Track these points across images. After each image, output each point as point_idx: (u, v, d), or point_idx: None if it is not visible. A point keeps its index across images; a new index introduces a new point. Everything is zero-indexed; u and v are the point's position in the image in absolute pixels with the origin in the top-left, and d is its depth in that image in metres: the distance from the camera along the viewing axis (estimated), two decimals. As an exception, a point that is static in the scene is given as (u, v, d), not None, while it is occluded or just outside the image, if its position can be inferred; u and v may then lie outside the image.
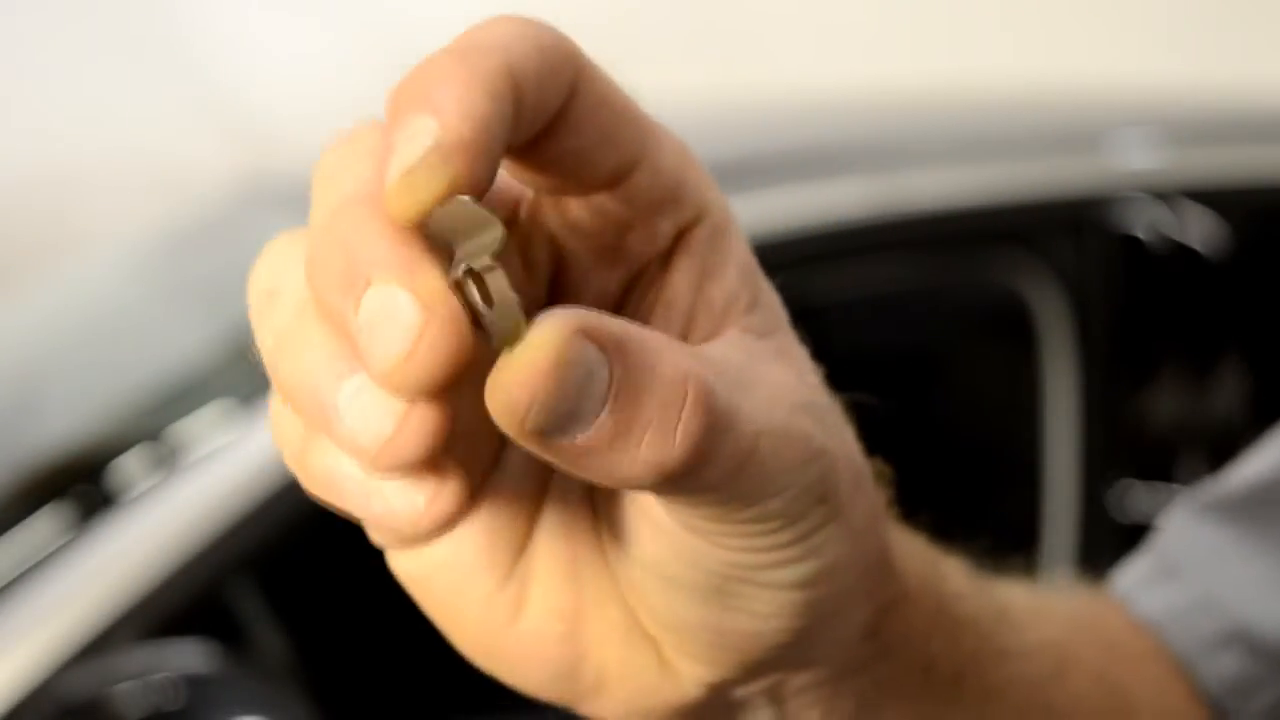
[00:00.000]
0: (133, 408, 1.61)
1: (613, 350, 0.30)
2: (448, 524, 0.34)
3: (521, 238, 0.36)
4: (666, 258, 0.36)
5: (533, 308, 0.35)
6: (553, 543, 0.37)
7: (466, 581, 0.36)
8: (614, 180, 0.35)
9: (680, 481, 0.31)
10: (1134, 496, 1.65)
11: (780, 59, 3.13)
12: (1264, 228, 1.75)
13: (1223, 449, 1.68)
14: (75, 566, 1.31)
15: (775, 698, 0.39)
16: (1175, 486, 1.64)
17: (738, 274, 0.36)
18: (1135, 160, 1.78)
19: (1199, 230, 1.67)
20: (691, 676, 0.37)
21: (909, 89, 2.10)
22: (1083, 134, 1.85)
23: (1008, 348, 1.71)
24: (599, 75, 0.34)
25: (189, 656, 1.24)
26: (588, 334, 0.30)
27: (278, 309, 0.33)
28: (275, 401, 0.34)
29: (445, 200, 0.30)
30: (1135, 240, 1.66)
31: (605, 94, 0.34)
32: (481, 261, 0.31)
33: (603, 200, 0.35)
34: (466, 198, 0.30)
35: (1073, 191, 1.70)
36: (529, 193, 0.36)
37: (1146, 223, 1.67)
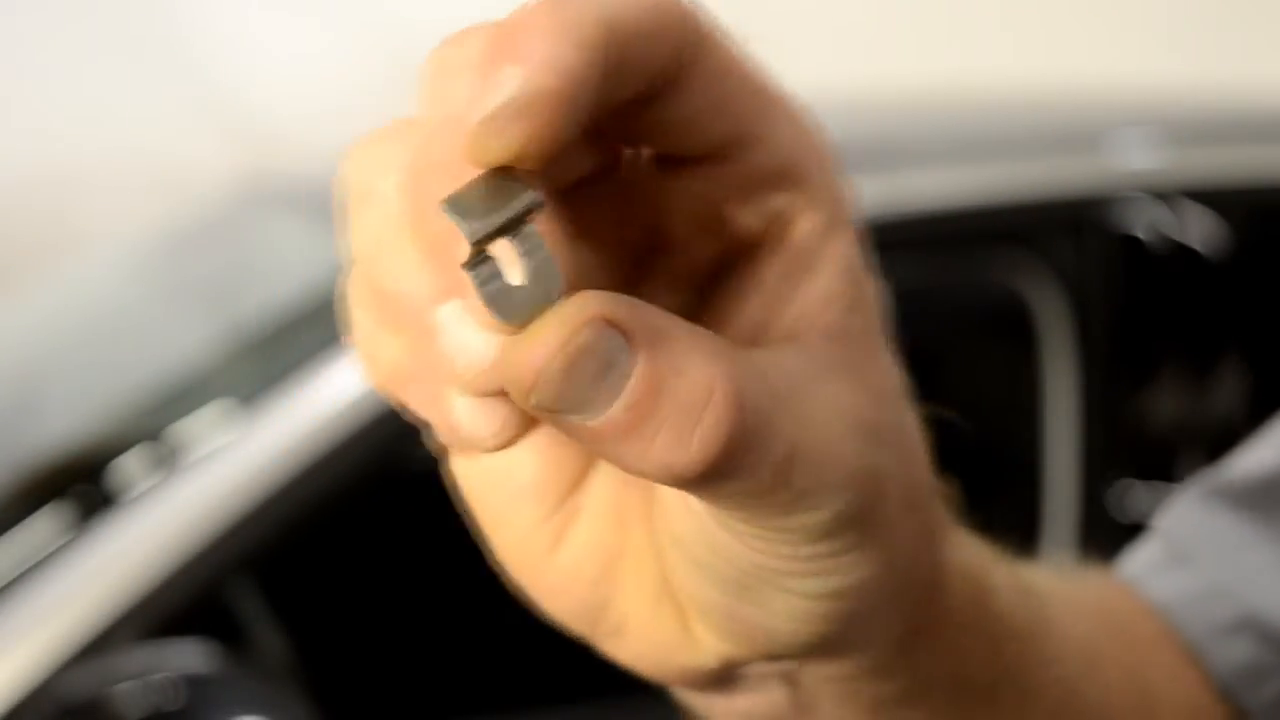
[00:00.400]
0: (133, 408, 1.61)
1: (639, 341, 0.30)
2: (510, 445, 0.34)
3: (621, 191, 0.35)
4: (767, 240, 0.35)
5: (621, 265, 0.35)
6: (606, 488, 0.37)
7: (516, 503, 0.37)
8: (722, 152, 0.33)
9: (695, 484, 0.31)
10: (1134, 496, 1.65)
11: (781, 59, 3.13)
12: (1264, 228, 1.75)
13: (1223, 449, 1.68)
14: (75, 566, 1.31)
15: (791, 680, 0.39)
16: (1175, 486, 1.63)
17: (837, 271, 0.34)
18: (1135, 160, 1.78)
19: (1199, 230, 1.67)
20: (710, 648, 0.37)
21: (909, 89, 2.10)
22: (1083, 134, 1.85)
23: (1008, 348, 1.71)
24: (721, 44, 0.33)
25: (189, 656, 1.24)
26: (613, 321, 0.30)
27: (372, 210, 0.33)
28: (353, 287, 0.34)
29: (493, 171, 0.30)
30: (1135, 240, 1.66)
31: (725, 64, 0.33)
32: (523, 229, 0.31)
33: (710, 169, 0.34)
34: (498, 172, 0.30)
35: (1073, 191, 1.70)
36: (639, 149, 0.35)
37: (1146, 223, 1.67)
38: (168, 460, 1.39)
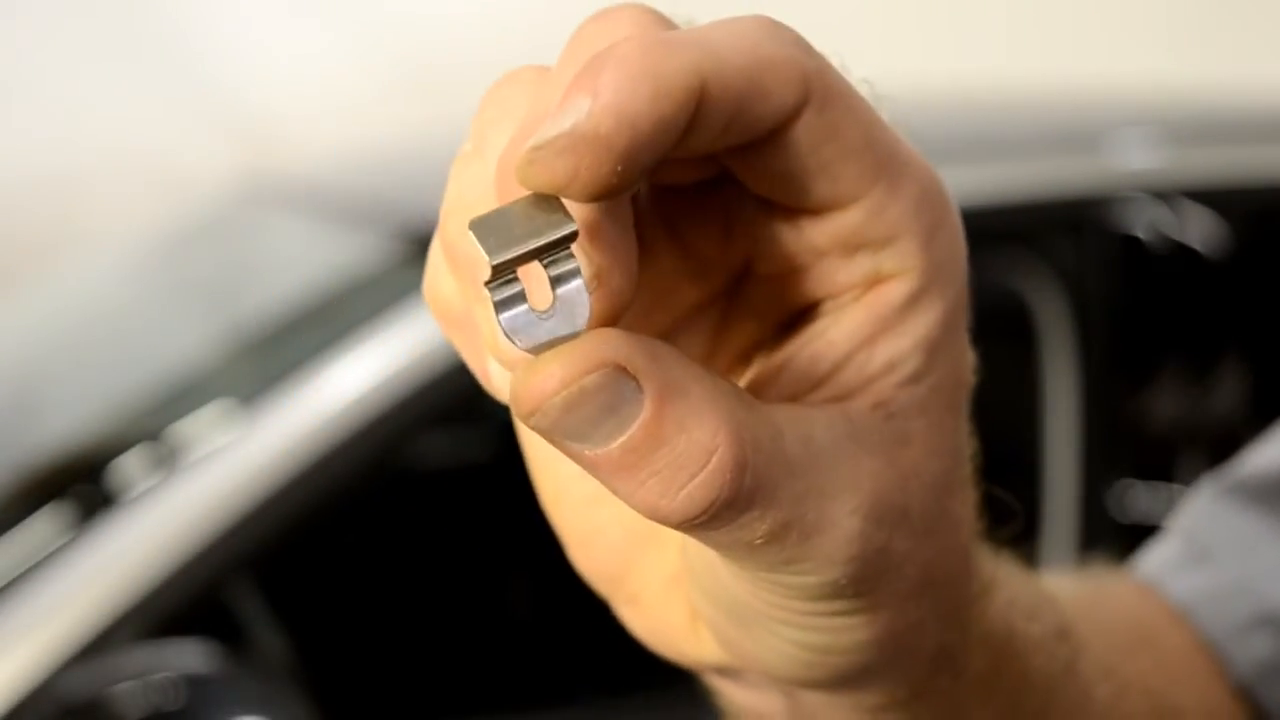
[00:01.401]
0: (133, 408, 1.61)
1: (649, 391, 0.30)
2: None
3: (726, 214, 0.35)
4: (854, 296, 0.34)
5: (715, 280, 0.35)
6: None
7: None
8: (819, 208, 0.33)
9: (677, 529, 0.31)
10: (1134, 496, 1.65)
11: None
12: (1264, 228, 1.75)
13: (1223, 449, 1.68)
14: (75, 566, 1.31)
15: (789, 693, 0.39)
16: (1175, 486, 1.63)
17: (915, 343, 0.34)
18: (1135, 160, 1.78)
19: (1199, 230, 1.67)
20: (710, 649, 0.38)
21: (909, 89, 2.10)
22: (1083, 134, 1.85)
23: (1008, 348, 1.71)
24: (839, 105, 0.32)
25: (189, 656, 1.24)
26: (627, 369, 0.30)
27: (473, 168, 0.33)
28: (442, 217, 0.34)
29: (539, 194, 0.30)
30: (1135, 240, 1.66)
31: (837, 126, 0.32)
32: (557, 256, 0.30)
33: (806, 221, 0.33)
34: (546, 197, 0.30)
35: (1073, 191, 1.70)
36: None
37: (1146, 223, 1.67)
38: (168, 460, 1.39)
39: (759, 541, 0.32)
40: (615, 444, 0.30)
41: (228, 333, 1.70)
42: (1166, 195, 1.68)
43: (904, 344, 0.34)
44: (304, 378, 1.40)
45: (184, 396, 1.56)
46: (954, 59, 2.77)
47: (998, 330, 1.75)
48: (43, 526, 1.39)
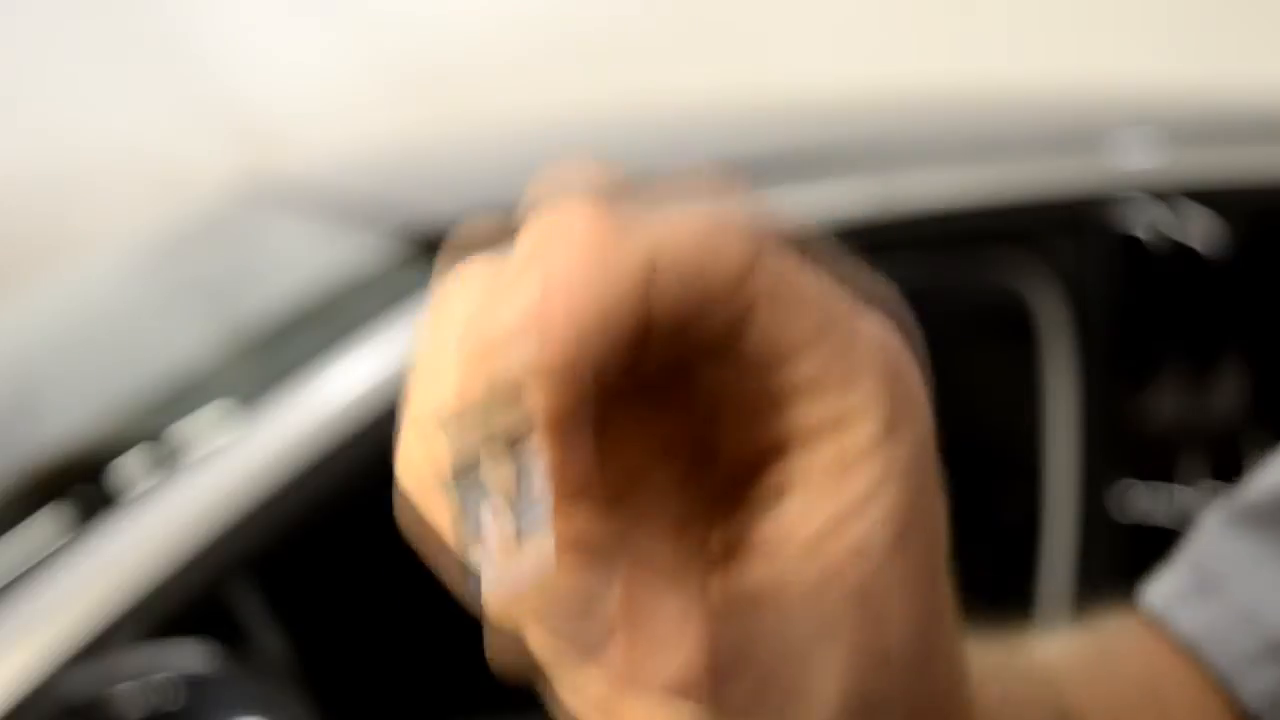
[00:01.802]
0: (133, 408, 1.61)
1: (621, 585, 0.30)
2: None
3: (684, 383, 0.35)
4: (817, 442, 0.34)
5: (678, 453, 0.35)
6: None
7: None
8: (781, 357, 0.33)
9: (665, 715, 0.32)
10: (1134, 496, 1.65)
11: (780, 59, 3.13)
12: (1264, 228, 1.75)
13: (1223, 449, 1.68)
14: (75, 566, 1.31)
15: None
16: (1175, 486, 1.63)
17: (879, 480, 0.33)
18: (1135, 160, 1.78)
19: (1199, 230, 1.67)
20: None
21: (909, 89, 2.10)
22: (1083, 134, 1.85)
23: (1008, 348, 1.71)
24: (777, 263, 0.32)
25: (189, 656, 1.24)
26: (596, 561, 0.30)
27: (434, 362, 0.33)
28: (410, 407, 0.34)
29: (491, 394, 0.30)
30: (1135, 240, 1.66)
31: (778, 285, 0.32)
32: (519, 443, 0.31)
33: (762, 374, 0.33)
34: (506, 385, 0.30)
35: (1073, 191, 1.70)
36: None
37: (1146, 223, 1.67)
38: (168, 460, 1.39)
39: (740, 705, 0.32)
40: (591, 638, 0.31)
41: (228, 333, 1.70)
42: (1166, 195, 1.68)
43: (870, 482, 0.33)
44: (304, 378, 1.40)
45: (184, 396, 1.56)
46: (954, 59, 2.77)
47: (998, 330, 1.75)
48: (43, 526, 1.39)
